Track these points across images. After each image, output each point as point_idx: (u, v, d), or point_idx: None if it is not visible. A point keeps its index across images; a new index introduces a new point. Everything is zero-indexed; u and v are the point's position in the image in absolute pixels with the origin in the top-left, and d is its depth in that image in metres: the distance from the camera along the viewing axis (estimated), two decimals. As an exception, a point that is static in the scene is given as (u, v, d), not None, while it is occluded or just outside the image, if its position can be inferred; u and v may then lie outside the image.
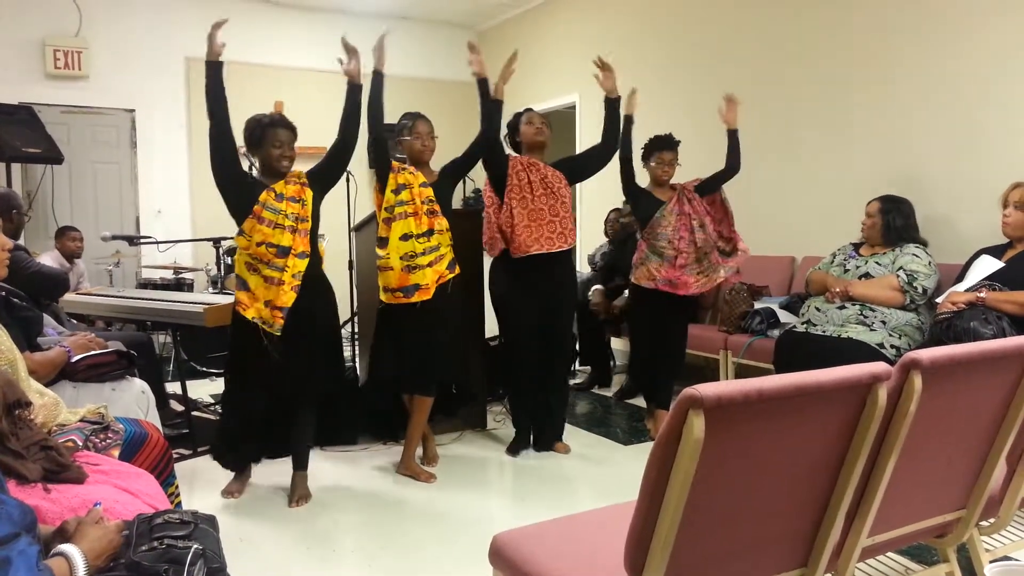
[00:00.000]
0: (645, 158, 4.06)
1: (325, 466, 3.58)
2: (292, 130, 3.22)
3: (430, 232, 3.45)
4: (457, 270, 3.56)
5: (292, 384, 3.22)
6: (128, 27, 6.70)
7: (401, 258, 3.40)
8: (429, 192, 3.49)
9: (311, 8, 7.42)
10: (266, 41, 7.24)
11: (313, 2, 7.32)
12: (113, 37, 6.64)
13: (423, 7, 7.60)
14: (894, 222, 3.73)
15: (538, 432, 3.98)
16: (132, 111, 6.80)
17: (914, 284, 3.54)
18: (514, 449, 3.94)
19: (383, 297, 3.49)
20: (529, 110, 4.01)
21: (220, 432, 3.38)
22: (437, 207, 3.50)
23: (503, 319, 3.93)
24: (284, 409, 3.30)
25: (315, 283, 3.24)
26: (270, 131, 3.15)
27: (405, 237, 3.41)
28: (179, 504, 2.41)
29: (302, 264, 3.16)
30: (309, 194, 3.23)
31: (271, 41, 7.27)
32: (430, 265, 3.43)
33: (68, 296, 4.42)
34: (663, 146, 4.02)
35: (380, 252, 3.46)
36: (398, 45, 7.94)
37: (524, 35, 7.61)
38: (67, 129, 6.50)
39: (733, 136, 4.06)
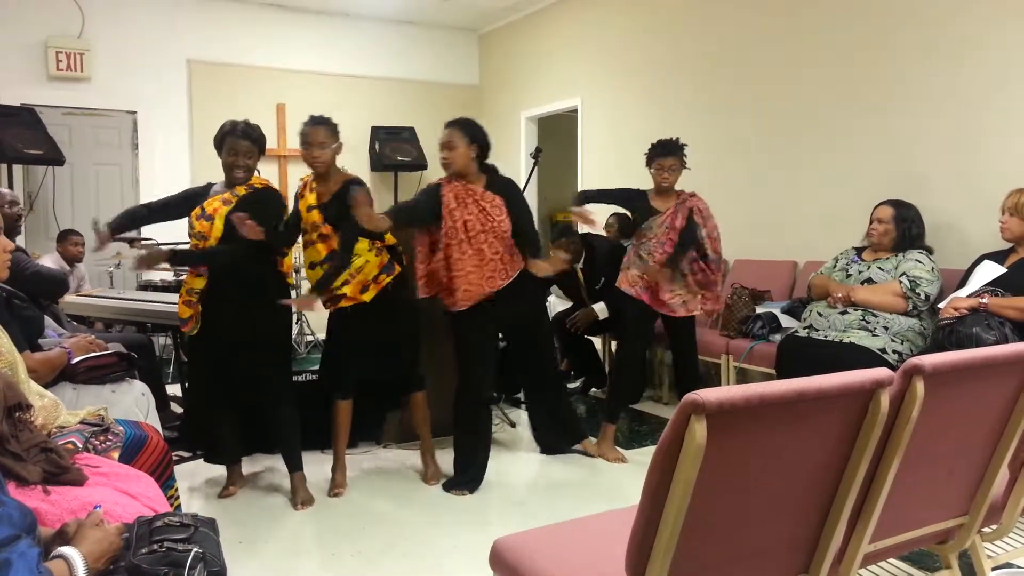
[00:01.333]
0: (648, 164, 3.95)
1: (325, 469, 3.58)
2: (255, 141, 3.23)
3: (332, 255, 3.27)
4: (397, 269, 3.40)
5: (243, 386, 3.29)
6: (130, 29, 6.71)
7: (316, 282, 3.32)
8: (315, 217, 3.28)
9: (313, 11, 7.42)
10: (268, 44, 7.23)
11: (315, 5, 7.33)
12: (115, 39, 6.64)
13: (425, 11, 7.60)
14: (910, 231, 3.71)
15: (547, 439, 3.97)
16: (134, 113, 6.80)
17: (917, 290, 3.53)
18: (456, 485, 3.51)
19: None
20: (449, 124, 3.46)
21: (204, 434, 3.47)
22: (326, 229, 3.25)
23: (464, 353, 3.57)
24: (252, 409, 3.36)
25: (255, 288, 3.23)
26: (228, 139, 3.20)
27: (312, 266, 3.35)
28: (179, 507, 2.40)
29: (198, 283, 3.21)
30: (223, 211, 3.16)
31: (273, 44, 7.27)
32: (346, 283, 3.29)
33: (68, 297, 4.42)
34: (663, 152, 3.86)
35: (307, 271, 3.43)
36: (400, 48, 7.99)
37: (526, 39, 7.62)
38: (68, 131, 6.50)
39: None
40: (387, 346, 3.48)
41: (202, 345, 3.31)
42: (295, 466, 3.37)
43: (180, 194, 3.39)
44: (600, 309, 4.87)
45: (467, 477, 3.53)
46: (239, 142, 3.19)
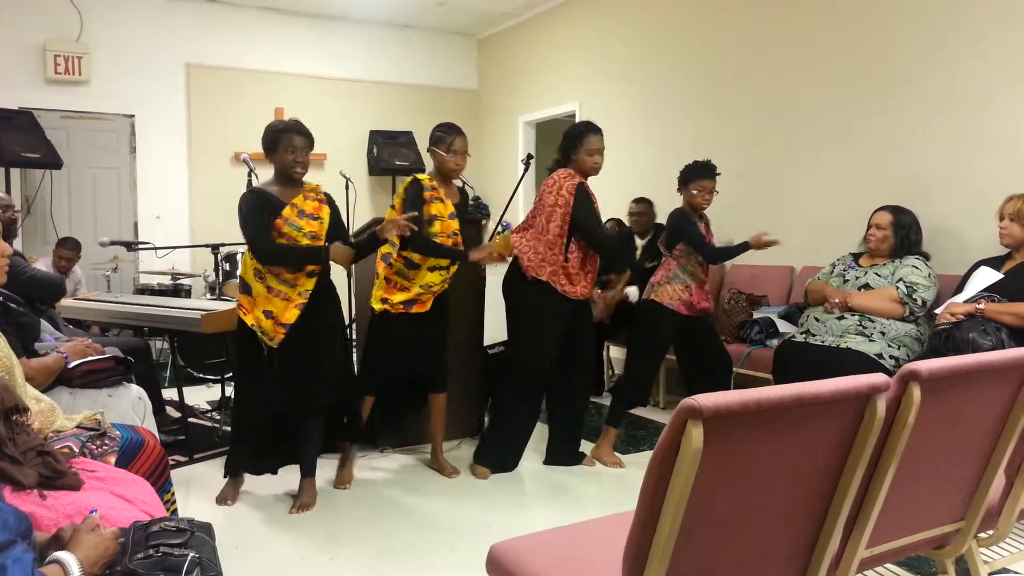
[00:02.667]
0: (685, 184, 3.85)
1: (321, 473, 3.57)
2: (308, 137, 3.21)
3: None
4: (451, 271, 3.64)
5: (297, 393, 3.24)
6: (128, 32, 6.71)
7: (421, 286, 3.46)
8: (455, 225, 3.52)
9: (311, 15, 7.43)
10: (266, 48, 7.24)
11: (314, 9, 7.34)
12: (113, 42, 6.64)
13: (424, 16, 7.62)
14: (908, 238, 3.71)
15: (553, 447, 3.93)
16: (132, 117, 6.79)
17: (914, 296, 3.54)
18: (489, 462, 3.77)
19: (378, 306, 3.49)
20: (598, 131, 3.66)
21: (234, 443, 3.41)
22: (460, 239, 3.53)
23: (528, 336, 3.69)
24: (291, 416, 3.33)
25: (323, 294, 3.26)
26: (285, 136, 3.15)
27: (433, 268, 3.48)
28: (175, 511, 2.40)
29: (310, 283, 3.18)
30: (327, 211, 3.26)
31: (271, 48, 7.27)
32: (441, 285, 3.55)
33: (65, 301, 4.41)
34: (708, 174, 3.83)
35: (408, 274, 3.45)
36: (399, 52, 8.00)
37: (524, 44, 7.64)
38: (66, 134, 6.50)
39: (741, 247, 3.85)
40: (426, 346, 3.61)
41: (288, 346, 3.17)
42: (309, 472, 3.38)
43: (257, 217, 3.12)
44: (632, 292, 4.79)
45: (504, 454, 3.75)
46: (296, 138, 3.16)
